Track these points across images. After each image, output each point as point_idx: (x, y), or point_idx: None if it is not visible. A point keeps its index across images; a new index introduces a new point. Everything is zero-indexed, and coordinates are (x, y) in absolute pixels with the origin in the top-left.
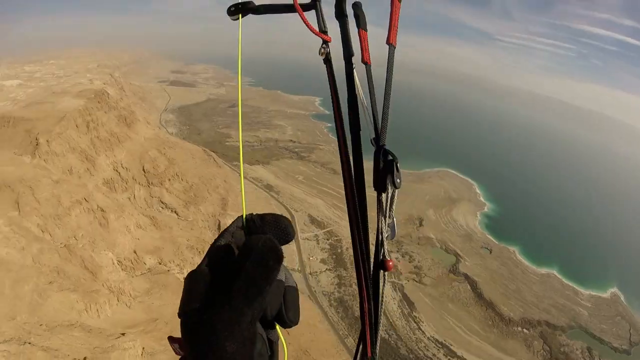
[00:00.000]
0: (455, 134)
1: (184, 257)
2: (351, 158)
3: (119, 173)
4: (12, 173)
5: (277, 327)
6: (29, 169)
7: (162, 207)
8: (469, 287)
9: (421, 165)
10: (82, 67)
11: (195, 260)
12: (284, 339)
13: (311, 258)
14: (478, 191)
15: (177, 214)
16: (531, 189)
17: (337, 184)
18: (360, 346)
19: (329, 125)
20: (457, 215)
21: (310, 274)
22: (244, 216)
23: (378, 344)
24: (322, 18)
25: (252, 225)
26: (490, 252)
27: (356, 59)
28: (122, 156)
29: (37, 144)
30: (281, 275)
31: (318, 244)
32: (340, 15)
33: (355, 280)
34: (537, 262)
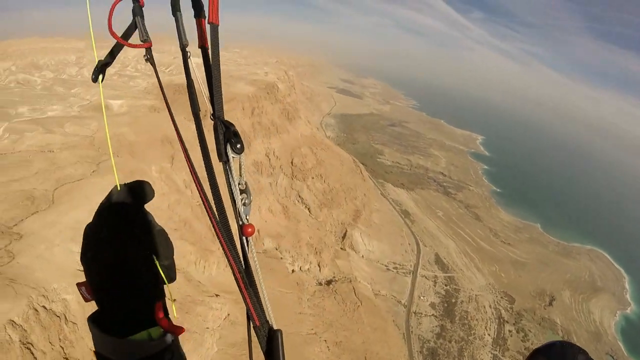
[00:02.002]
0: (622, 212)
1: (300, 251)
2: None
3: (269, 159)
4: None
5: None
6: (191, 133)
7: (298, 201)
8: None
9: (573, 237)
10: (261, 60)
11: (310, 258)
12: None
13: (422, 297)
14: (627, 286)
15: (309, 211)
16: None
17: (476, 231)
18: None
19: (485, 167)
20: (594, 307)
21: (415, 313)
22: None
23: (267, 312)
24: (142, 29)
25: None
26: None
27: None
28: (276, 145)
29: (204, 115)
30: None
31: (434, 285)
32: (175, 12)
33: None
34: None
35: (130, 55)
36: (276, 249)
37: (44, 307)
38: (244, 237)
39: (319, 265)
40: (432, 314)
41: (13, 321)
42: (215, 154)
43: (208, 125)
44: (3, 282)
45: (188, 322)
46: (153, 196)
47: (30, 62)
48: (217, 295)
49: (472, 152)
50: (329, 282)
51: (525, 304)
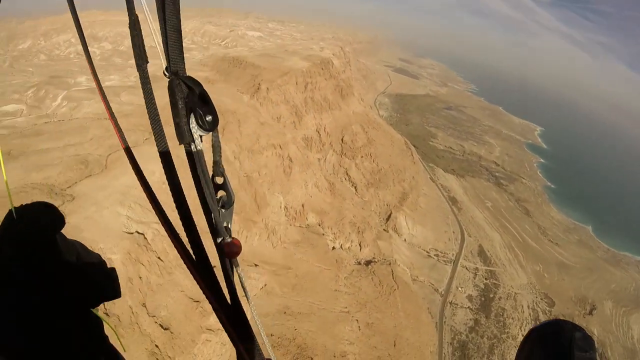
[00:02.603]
0: None
1: (342, 229)
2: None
3: (320, 135)
4: (229, 104)
5: None
6: (243, 106)
7: (345, 179)
8: None
9: (625, 246)
10: (318, 35)
11: (352, 236)
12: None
13: (460, 288)
14: None
15: (355, 190)
16: None
17: (524, 227)
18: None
19: (541, 161)
20: (634, 323)
21: (451, 303)
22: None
23: (270, 354)
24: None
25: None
26: None
27: None
28: (327, 121)
29: (258, 89)
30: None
31: (474, 278)
32: None
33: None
34: None
35: (187, 29)
36: (319, 225)
37: None
38: (227, 260)
39: (359, 245)
40: (468, 307)
41: None
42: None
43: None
44: None
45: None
46: (63, 224)
47: (90, 34)
48: (256, 265)
49: (529, 143)
50: (368, 263)
51: (564, 309)
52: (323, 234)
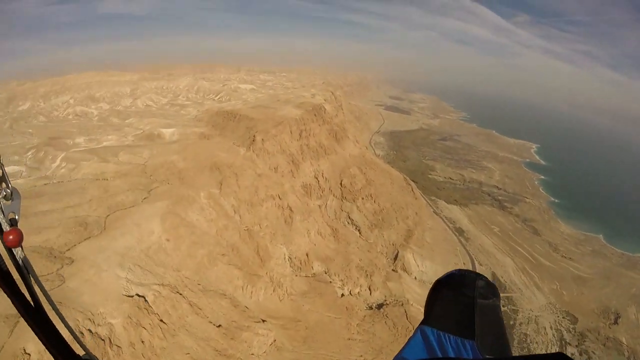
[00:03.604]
0: None
1: (350, 274)
2: None
3: (318, 181)
4: (225, 159)
5: None
6: (240, 159)
7: (348, 222)
8: None
9: (638, 248)
10: (309, 82)
11: (360, 281)
12: None
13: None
14: None
15: (359, 232)
16: None
17: (535, 246)
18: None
19: (542, 177)
20: None
21: None
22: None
23: (71, 349)
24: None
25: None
26: None
27: None
28: (325, 166)
29: (253, 140)
30: None
31: None
32: None
33: None
34: None
35: (182, 86)
36: (325, 273)
37: (89, 330)
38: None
39: (369, 289)
40: None
41: None
42: None
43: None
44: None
45: (233, 349)
46: None
47: (87, 95)
48: (263, 321)
49: (527, 162)
50: (379, 306)
51: (588, 324)
52: (330, 282)
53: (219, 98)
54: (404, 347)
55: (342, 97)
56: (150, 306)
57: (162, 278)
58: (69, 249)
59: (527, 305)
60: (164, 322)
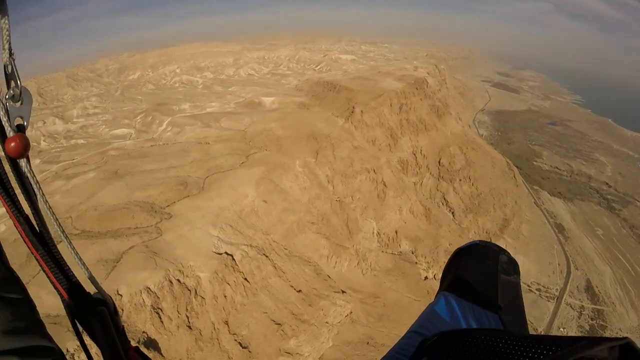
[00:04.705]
0: None
1: (437, 258)
2: None
3: (415, 157)
4: (323, 129)
5: None
6: (337, 129)
7: (442, 204)
8: None
9: None
10: (411, 54)
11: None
12: None
13: (562, 329)
14: None
15: (452, 215)
16: None
17: (639, 258)
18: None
19: None
20: None
21: None
22: None
23: (76, 281)
24: None
25: None
26: None
27: None
28: (424, 143)
29: (352, 112)
30: None
31: (579, 317)
32: None
33: None
34: None
35: (283, 55)
36: (412, 253)
37: (178, 280)
38: (18, 162)
39: None
40: None
41: (149, 288)
42: None
43: None
44: (147, 254)
45: (309, 314)
46: None
47: (193, 65)
48: (343, 292)
49: None
50: None
51: None
52: (416, 263)
53: (319, 68)
54: (423, 316)
55: (446, 71)
56: (236, 264)
57: (251, 239)
58: (168, 206)
59: (617, 323)
60: (247, 281)
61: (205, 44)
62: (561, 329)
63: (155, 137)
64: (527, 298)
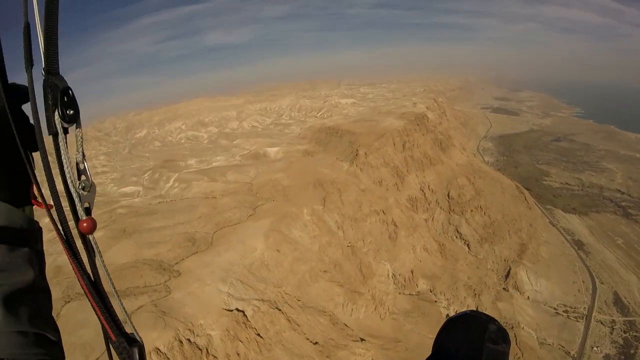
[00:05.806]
0: None
1: (457, 293)
2: None
3: (424, 194)
4: (328, 175)
5: None
6: (343, 174)
7: (456, 237)
8: None
9: None
10: (410, 91)
11: (467, 301)
12: None
13: (595, 348)
14: None
15: (468, 247)
16: None
17: None
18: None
19: None
20: None
21: None
22: None
23: (130, 325)
24: None
25: None
26: None
27: None
28: (431, 178)
29: (356, 155)
30: None
31: (611, 333)
32: None
33: None
34: None
35: (284, 105)
36: (430, 291)
37: (188, 339)
38: (87, 237)
39: (477, 309)
40: None
41: (158, 349)
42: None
43: None
44: (156, 313)
45: None
46: None
47: (197, 121)
48: (362, 340)
49: None
50: None
51: None
52: (435, 301)
53: (321, 114)
54: None
55: (444, 103)
56: (248, 320)
57: (263, 294)
58: (177, 263)
59: None
60: (260, 337)
61: (209, 98)
62: (594, 348)
63: (162, 194)
64: (555, 321)
